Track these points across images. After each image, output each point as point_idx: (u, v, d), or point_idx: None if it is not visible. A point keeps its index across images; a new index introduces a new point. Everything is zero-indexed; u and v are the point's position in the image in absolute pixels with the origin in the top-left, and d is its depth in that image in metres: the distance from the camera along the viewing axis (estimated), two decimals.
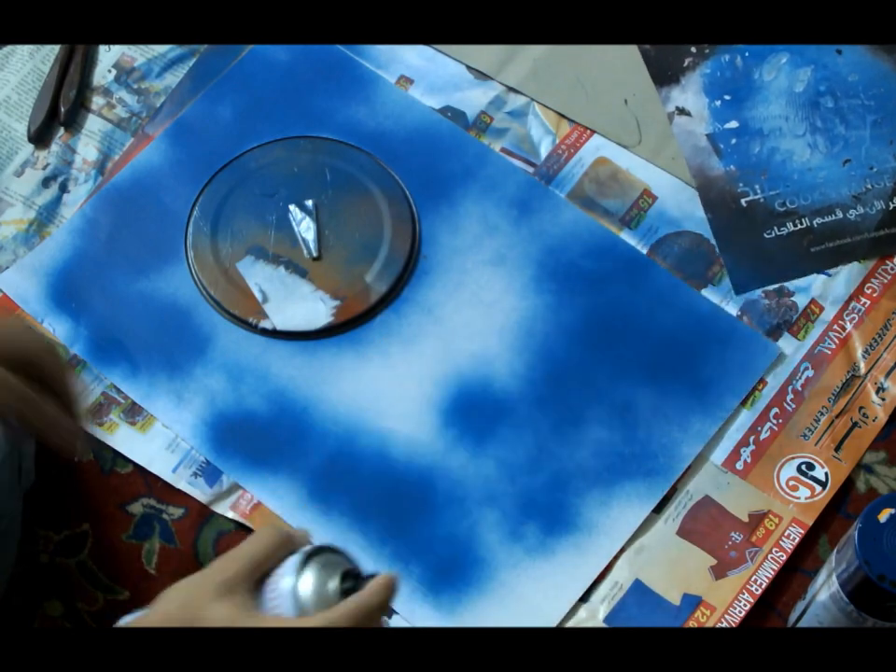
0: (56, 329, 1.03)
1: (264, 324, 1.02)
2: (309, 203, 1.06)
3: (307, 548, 0.75)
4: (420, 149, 1.09)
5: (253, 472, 0.97)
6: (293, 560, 0.74)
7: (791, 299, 1.04)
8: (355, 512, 0.96)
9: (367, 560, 0.94)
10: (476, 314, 1.03)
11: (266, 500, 0.97)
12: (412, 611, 0.93)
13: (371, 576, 0.73)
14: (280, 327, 1.02)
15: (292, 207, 1.06)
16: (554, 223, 1.06)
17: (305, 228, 1.05)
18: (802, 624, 0.90)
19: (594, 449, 0.98)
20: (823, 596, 0.84)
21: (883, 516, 0.78)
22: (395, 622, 0.93)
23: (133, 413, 1.00)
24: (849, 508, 0.97)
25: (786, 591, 0.95)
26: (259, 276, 1.04)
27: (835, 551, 0.84)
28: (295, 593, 0.72)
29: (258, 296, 1.03)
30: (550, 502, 0.97)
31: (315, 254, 1.04)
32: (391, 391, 1.00)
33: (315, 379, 1.01)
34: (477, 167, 1.08)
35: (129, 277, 1.04)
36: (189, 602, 0.72)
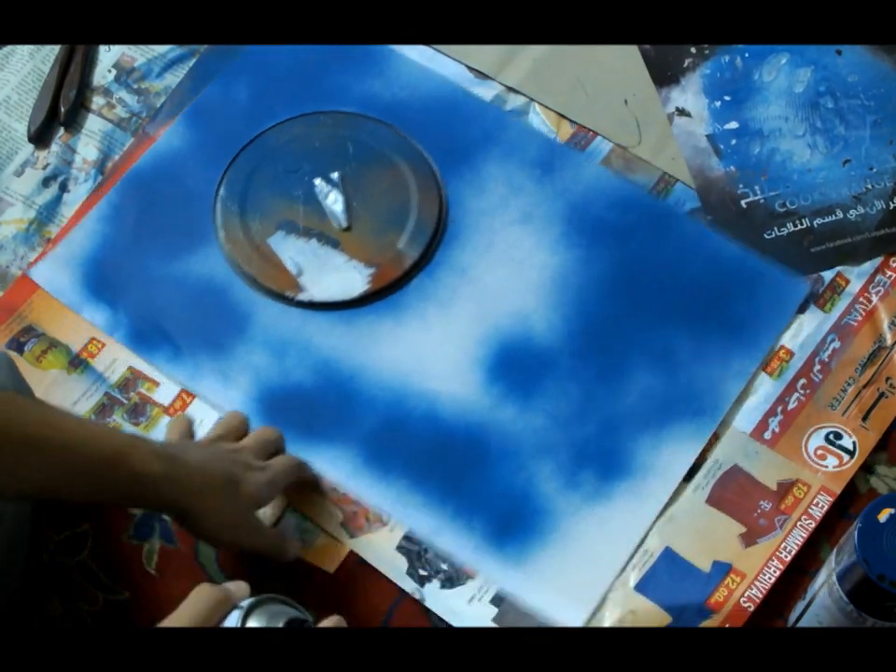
0: (95, 318, 1.02)
1: (301, 297, 1.02)
2: (335, 175, 1.06)
3: (247, 601, 0.74)
4: (438, 118, 1.09)
5: (308, 445, 0.97)
6: (234, 616, 0.73)
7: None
8: (412, 474, 0.97)
9: (430, 518, 0.95)
10: (508, 272, 1.04)
11: (324, 470, 0.97)
12: (480, 564, 0.94)
13: (317, 621, 0.73)
14: (317, 298, 1.02)
15: (317, 181, 1.06)
16: (577, 180, 1.07)
17: (333, 200, 1.05)
18: (802, 624, 0.90)
19: (639, 394, 0.99)
20: (823, 596, 0.85)
21: (883, 516, 0.78)
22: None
23: (136, 413, 1.00)
24: (850, 508, 0.97)
25: (786, 591, 0.95)
26: (291, 250, 1.04)
27: (835, 550, 0.84)
28: None
29: (292, 270, 1.03)
30: (602, 449, 0.98)
31: (344, 225, 1.05)
32: (432, 353, 1.01)
33: (356, 347, 1.01)
34: (497, 132, 1.09)
35: (161, 261, 1.04)
36: None
